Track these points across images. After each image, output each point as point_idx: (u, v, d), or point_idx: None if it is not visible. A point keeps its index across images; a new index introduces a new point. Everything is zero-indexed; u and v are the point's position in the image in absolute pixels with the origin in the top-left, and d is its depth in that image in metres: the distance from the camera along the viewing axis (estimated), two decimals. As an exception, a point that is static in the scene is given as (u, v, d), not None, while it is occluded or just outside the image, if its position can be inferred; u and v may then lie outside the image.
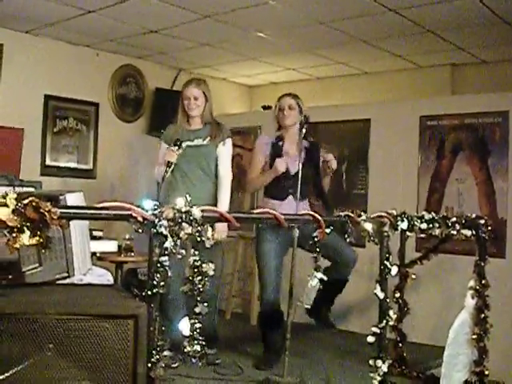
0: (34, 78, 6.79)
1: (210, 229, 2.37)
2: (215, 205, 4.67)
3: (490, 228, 4.16)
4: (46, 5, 5.73)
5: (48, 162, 6.92)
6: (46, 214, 1.97)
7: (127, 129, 7.71)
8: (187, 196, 2.33)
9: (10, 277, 3.11)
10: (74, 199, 3.59)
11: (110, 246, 5.82)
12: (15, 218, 1.98)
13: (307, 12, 5.75)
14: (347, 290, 5.03)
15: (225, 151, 4.88)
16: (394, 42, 6.58)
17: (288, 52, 7.23)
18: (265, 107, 8.01)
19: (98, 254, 5.54)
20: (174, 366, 4.29)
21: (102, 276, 4.03)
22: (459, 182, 5.77)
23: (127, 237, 5.90)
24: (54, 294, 2.69)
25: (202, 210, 2.39)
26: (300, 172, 4.56)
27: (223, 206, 4.72)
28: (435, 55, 6.98)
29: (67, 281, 3.47)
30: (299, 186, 4.53)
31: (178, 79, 8.13)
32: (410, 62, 7.33)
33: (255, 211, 2.68)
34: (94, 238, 5.54)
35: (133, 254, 5.88)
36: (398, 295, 4.53)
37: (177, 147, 4.62)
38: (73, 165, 7.16)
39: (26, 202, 1.96)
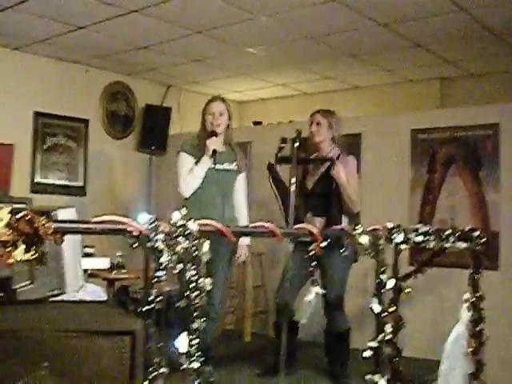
0: (24, 95, 6.76)
1: (207, 243, 2.33)
2: None
3: (484, 240, 4.15)
4: (35, 21, 5.71)
5: (38, 179, 6.89)
6: (41, 227, 1.93)
7: (117, 145, 7.69)
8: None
9: (1, 295, 3.07)
10: (66, 215, 3.55)
11: (102, 263, 5.77)
12: (8, 232, 1.93)
13: (297, 27, 5.77)
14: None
15: (244, 178, 4.84)
16: (383, 57, 6.61)
17: (278, 67, 7.25)
18: (255, 123, 8.00)
19: (89, 271, 5.48)
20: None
21: (95, 293, 3.98)
22: (451, 194, 5.75)
23: (119, 254, 5.85)
24: (47, 310, 2.64)
25: (199, 224, 2.35)
26: (315, 188, 4.79)
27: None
28: (424, 69, 7.02)
29: (60, 298, 3.42)
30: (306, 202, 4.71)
31: (167, 95, 8.12)
32: (400, 76, 7.36)
33: (252, 225, 2.64)
34: (85, 254, 5.49)
35: (125, 271, 5.83)
36: (392, 309, 4.49)
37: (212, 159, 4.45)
38: (63, 182, 7.12)
39: (19, 216, 1.91)
